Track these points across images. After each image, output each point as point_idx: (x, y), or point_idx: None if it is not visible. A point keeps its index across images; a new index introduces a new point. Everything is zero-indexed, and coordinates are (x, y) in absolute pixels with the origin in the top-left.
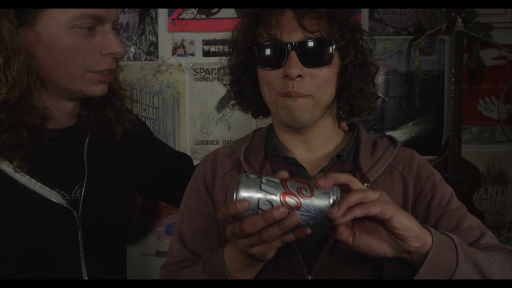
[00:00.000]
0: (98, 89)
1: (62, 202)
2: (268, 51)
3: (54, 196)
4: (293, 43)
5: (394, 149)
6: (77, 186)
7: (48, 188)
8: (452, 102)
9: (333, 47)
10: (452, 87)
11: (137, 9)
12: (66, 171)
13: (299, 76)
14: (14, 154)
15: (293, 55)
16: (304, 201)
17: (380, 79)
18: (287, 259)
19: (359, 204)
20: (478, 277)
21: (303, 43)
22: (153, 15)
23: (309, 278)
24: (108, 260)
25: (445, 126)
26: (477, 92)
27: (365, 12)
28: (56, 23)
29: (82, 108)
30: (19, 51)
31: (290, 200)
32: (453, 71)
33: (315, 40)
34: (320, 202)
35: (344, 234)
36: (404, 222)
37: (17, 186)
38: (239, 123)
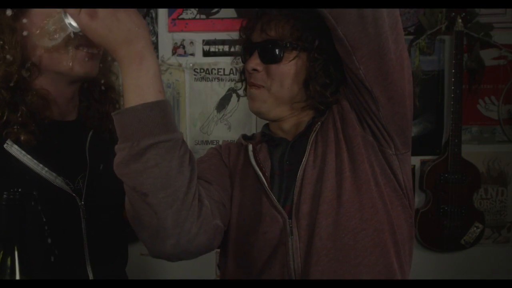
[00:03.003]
0: (88, 67)
1: (67, 188)
2: (244, 50)
3: (59, 182)
4: (256, 43)
5: None
6: (79, 177)
7: (54, 174)
8: (452, 102)
9: (283, 46)
10: (452, 87)
11: (137, 9)
12: (69, 162)
13: (255, 70)
14: (20, 130)
15: (255, 53)
16: None
17: None
18: (265, 206)
19: None
20: None
21: (261, 43)
22: (153, 15)
23: (290, 223)
24: (110, 253)
25: (445, 126)
26: (477, 92)
27: None
28: (43, 11)
29: (82, 100)
30: (12, 32)
31: None
32: (453, 71)
33: (268, 41)
34: None
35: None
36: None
37: (25, 169)
38: (239, 123)
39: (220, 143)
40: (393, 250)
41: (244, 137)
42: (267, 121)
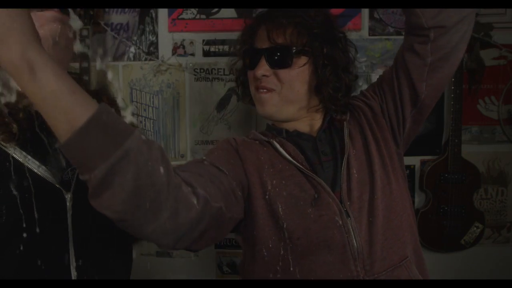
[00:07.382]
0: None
1: (52, 179)
2: (248, 56)
3: (43, 171)
4: (262, 49)
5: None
6: (69, 168)
7: (37, 162)
8: (452, 102)
9: (292, 52)
10: (452, 87)
11: (137, 9)
12: (59, 152)
13: (264, 75)
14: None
15: (263, 59)
16: None
17: None
18: (318, 192)
19: None
20: None
21: (269, 50)
22: (153, 15)
23: (343, 206)
24: (97, 250)
25: (445, 126)
26: (477, 92)
27: (365, 12)
28: None
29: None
30: None
31: None
32: None
33: (276, 47)
34: None
35: None
36: None
37: (5, 157)
38: (239, 123)
39: None
40: (416, 232)
41: (260, 133)
42: (269, 121)
